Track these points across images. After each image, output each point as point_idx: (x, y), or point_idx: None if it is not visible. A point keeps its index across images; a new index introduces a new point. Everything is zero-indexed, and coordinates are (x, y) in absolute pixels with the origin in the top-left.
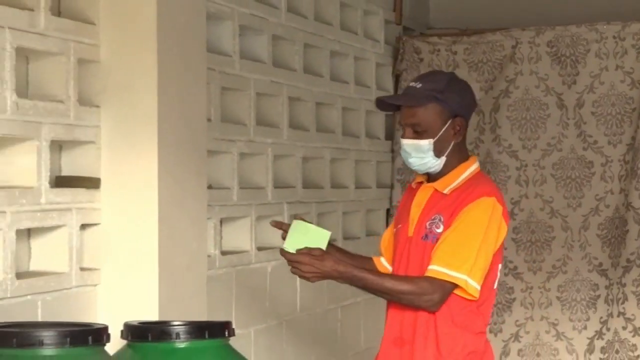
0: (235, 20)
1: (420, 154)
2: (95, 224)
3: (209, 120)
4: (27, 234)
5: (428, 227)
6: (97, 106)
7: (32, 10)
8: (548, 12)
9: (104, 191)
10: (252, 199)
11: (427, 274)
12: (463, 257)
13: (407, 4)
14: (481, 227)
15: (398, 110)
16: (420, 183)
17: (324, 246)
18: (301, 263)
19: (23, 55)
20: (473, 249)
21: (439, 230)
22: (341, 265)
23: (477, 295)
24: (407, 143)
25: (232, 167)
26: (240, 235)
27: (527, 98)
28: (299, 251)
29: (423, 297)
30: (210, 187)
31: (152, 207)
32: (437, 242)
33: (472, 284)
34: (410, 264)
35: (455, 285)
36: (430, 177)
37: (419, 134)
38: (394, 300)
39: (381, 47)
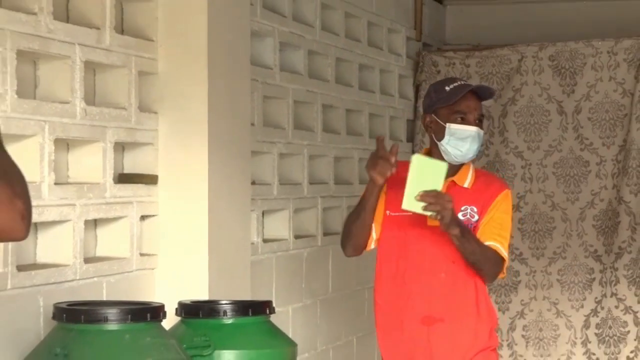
0: (275, 37)
1: (479, 142)
2: (153, 215)
3: (252, 124)
4: (94, 224)
5: (462, 217)
6: (155, 112)
7: (98, 28)
8: (550, 30)
9: (160, 187)
10: (290, 194)
11: (493, 248)
12: (505, 240)
13: (426, 23)
14: (510, 215)
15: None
16: None
17: (443, 177)
18: (447, 203)
19: (91, 68)
20: (508, 233)
21: (475, 220)
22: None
23: (506, 273)
24: (480, 132)
25: (273, 165)
26: (280, 225)
27: (532, 105)
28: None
29: (497, 266)
30: (253, 183)
31: (203, 200)
32: (474, 229)
33: (507, 263)
34: (441, 251)
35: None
36: None
37: (481, 125)
38: (478, 262)
39: (403, 61)
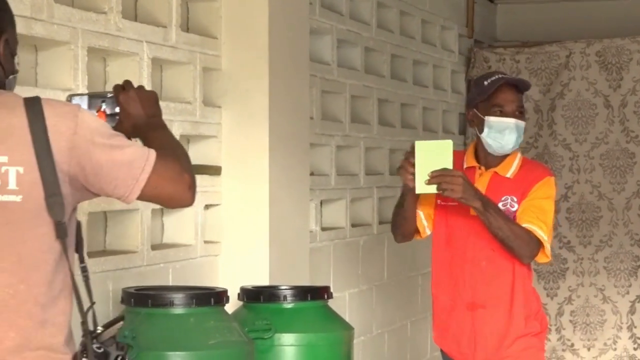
0: (333, 35)
1: (519, 134)
2: (216, 205)
3: (311, 118)
4: (160, 212)
5: (502, 207)
6: (219, 107)
7: (165, 27)
8: (597, 27)
9: (224, 177)
10: (347, 184)
11: (528, 229)
12: (544, 222)
13: (478, 20)
14: (552, 200)
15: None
16: (473, 168)
17: (451, 155)
18: (454, 179)
19: (158, 64)
20: (549, 217)
21: (514, 209)
22: (479, 192)
23: (550, 257)
24: (517, 123)
25: (331, 157)
26: (338, 214)
27: (579, 99)
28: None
29: (530, 245)
30: (312, 174)
31: (264, 190)
32: (513, 219)
33: (549, 247)
34: (482, 239)
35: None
36: (486, 163)
37: (521, 116)
38: (507, 239)
39: (456, 57)
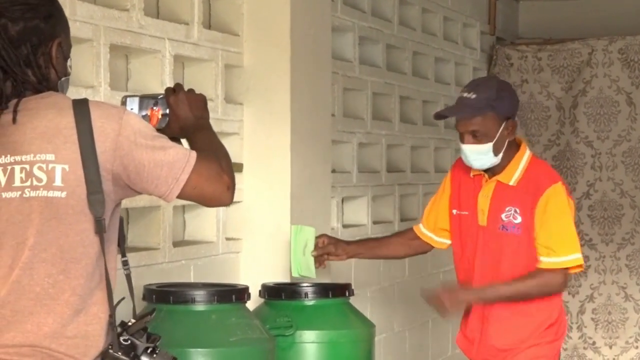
0: (355, 32)
1: (481, 155)
2: (238, 202)
3: (333, 115)
4: (182, 209)
5: (505, 218)
6: (241, 104)
7: (187, 24)
8: (619, 24)
9: (245, 174)
10: (368, 181)
11: (543, 265)
12: (565, 240)
13: (500, 18)
14: (566, 210)
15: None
16: (480, 175)
17: (313, 239)
18: (443, 303)
19: (180, 61)
20: (568, 231)
21: (517, 221)
22: (470, 290)
23: (584, 265)
24: (468, 148)
25: (352, 154)
26: (359, 212)
27: (601, 97)
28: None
29: (551, 284)
30: (334, 171)
31: (286, 187)
32: (516, 230)
33: (580, 257)
34: (487, 251)
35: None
36: (490, 170)
37: (478, 139)
38: (525, 298)
39: (477, 54)
